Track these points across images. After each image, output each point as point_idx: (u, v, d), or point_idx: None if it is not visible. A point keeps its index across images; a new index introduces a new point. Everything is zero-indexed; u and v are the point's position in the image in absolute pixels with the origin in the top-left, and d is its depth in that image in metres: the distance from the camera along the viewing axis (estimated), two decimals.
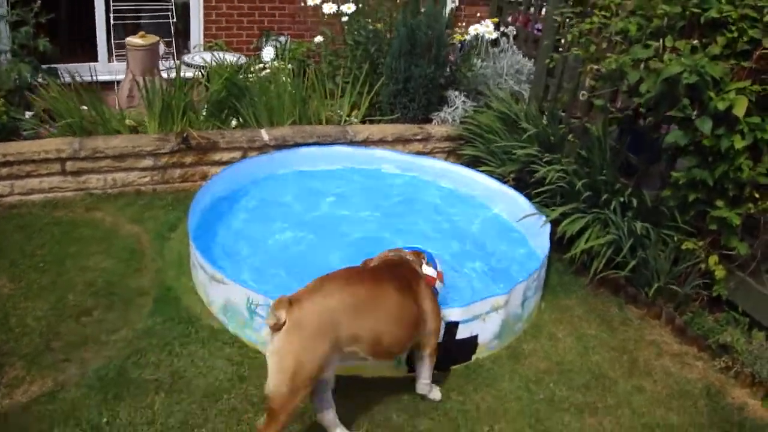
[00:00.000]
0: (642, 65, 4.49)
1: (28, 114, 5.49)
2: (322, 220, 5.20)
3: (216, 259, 4.35)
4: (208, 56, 6.77)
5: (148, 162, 5.40)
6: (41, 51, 5.61)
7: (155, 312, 4.18)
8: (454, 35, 6.83)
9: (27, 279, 4.34)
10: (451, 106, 6.46)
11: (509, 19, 7.68)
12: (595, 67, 5.09)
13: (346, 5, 6.45)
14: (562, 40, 5.99)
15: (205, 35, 8.38)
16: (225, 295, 4.06)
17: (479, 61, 6.73)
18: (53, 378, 3.58)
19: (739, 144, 4.10)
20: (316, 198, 5.48)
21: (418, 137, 6.28)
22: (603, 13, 5.21)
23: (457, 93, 6.50)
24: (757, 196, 4.31)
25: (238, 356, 3.91)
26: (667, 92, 4.30)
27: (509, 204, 5.50)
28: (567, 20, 5.63)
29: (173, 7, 8.00)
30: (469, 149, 6.19)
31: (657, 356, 4.41)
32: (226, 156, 5.59)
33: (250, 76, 6.11)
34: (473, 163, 6.11)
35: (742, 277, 4.57)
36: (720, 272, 4.55)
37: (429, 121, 6.52)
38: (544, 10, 6.82)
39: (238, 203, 5.23)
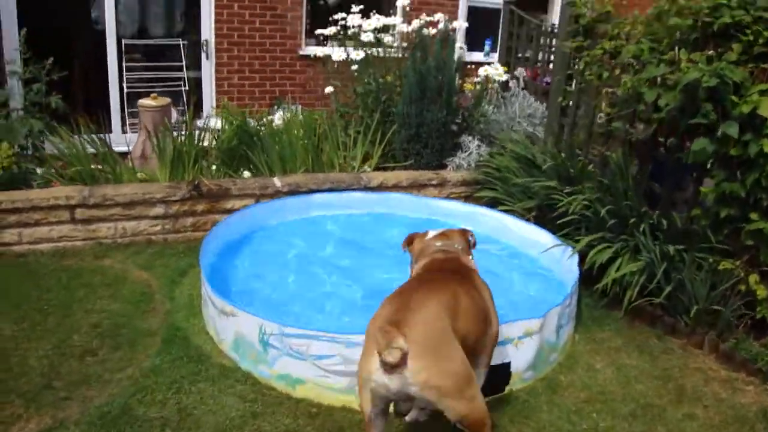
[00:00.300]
0: (659, 80, 4.39)
1: (39, 170, 5.44)
2: (336, 259, 5.00)
3: (228, 296, 4.14)
4: (220, 121, 6.78)
5: (158, 210, 5.28)
6: (53, 108, 5.61)
7: (163, 351, 3.94)
8: (465, 84, 6.82)
9: (30, 321, 4.14)
10: (465, 152, 6.36)
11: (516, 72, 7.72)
12: (611, 90, 5.00)
13: (355, 52, 6.48)
14: (574, 79, 5.95)
15: (217, 105, 8.47)
16: (236, 329, 3.83)
17: (491, 107, 6.68)
18: (52, 415, 3.32)
19: None
20: (328, 239, 5.32)
21: (434, 182, 6.15)
22: (613, 42, 5.19)
23: (470, 138, 6.42)
24: None
25: (251, 393, 3.64)
26: (687, 102, 4.18)
27: (531, 239, 5.27)
28: (577, 52, 5.60)
29: (185, 76, 8.13)
30: (486, 192, 6.04)
31: (705, 383, 4.08)
32: (238, 203, 5.47)
33: (262, 126, 6.07)
34: (491, 205, 5.95)
35: None
36: (762, 292, 4.27)
37: (443, 167, 6.41)
38: (551, 64, 6.88)
39: (250, 245, 5.05)
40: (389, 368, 2.59)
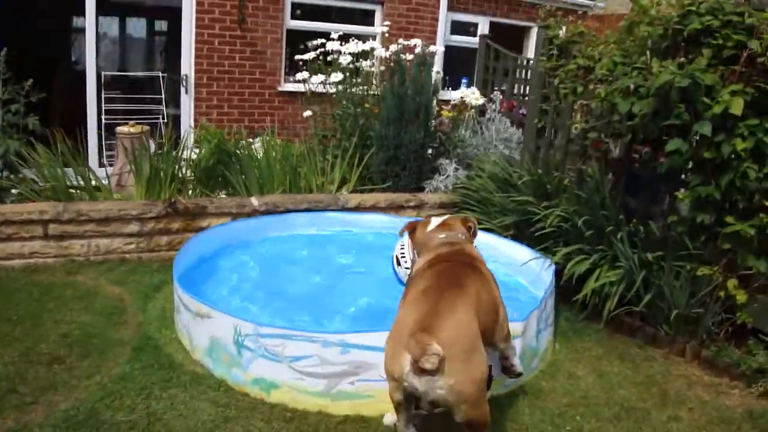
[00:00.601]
0: (632, 89, 4.45)
1: (14, 190, 5.36)
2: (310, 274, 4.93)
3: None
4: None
5: (133, 227, 5.20)
6: (30, 129, 5.56)
7: (133, 359, 3.83)
8: (442, 112, 6.89)
9: None
10: (442, 175, 6.38)
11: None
12: (585, 102, 5.07)
13: (334, 75, 6.53)
14: (549, 99, 6.05)
15: (195, 141, 8.45)
16: (211, 332, 3.74)
17: (468, 132, 6.74)
18: (15, 418, 3.20)
19: (741, 146, 3.98)
20: (304, 253, 5.26)
21: (412, 204, 6.14)
22: (586, 60, 5.29)
23: (448, 161, 6.45)
24: (767, 204, 4.12)
25: (224, 398, 3.54)
26: (661, 106, 4.23)
27: (508, 254, 5.23)
28: (552, 71, 5.69)
29: (164, 109, 8.15)
30: (465, 213, 6.02)
31: (688, 387, 4.03)
32: (214, 222, 5.40)
33: (241, 148, 6.05)
34: None
35: (765, 300, 4.28)
36: (741, 296, 4.26)
37: (421, 189, 6.41)
38: (526, 97, 7.00)
39: (226, 260, 4.97)
40: (421, 372, 2.62)
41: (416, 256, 3.60)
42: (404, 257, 4.53)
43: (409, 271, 3.88)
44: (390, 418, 3.25)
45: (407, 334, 2.68)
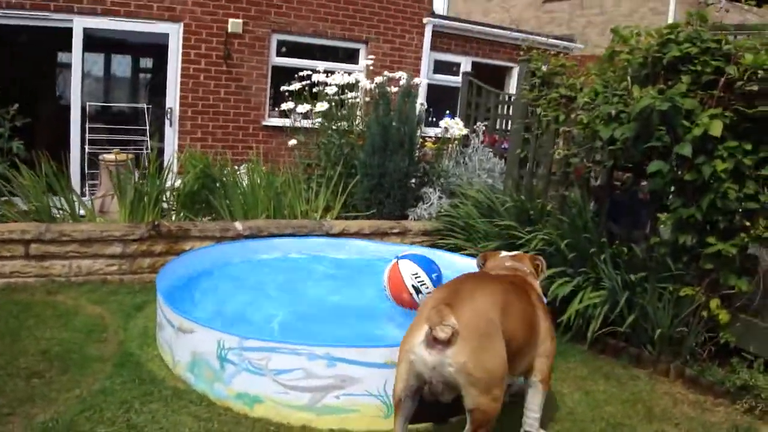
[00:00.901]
0: (613, 114, 4.55)
1: None
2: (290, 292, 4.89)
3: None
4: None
5: (116, 249, 5.15)
6: (14, 153, 5.55)
7: (114, 374, 3.76)
8: (426, 143, 6.98)
9: None
10: (426, 203, 6.43)
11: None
12: (567, 130, 5.17)
13: (320, 104, 6.61)
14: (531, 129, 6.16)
15: (179, 172, 8.47)
16: (193, 347, 3.69)
17: (451, 162, 6.82)
18: None
19: (721, 167, 4.06)
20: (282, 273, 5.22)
21: (396, 230, 6.16)
22: (567, 90, 5.42)
23: (432, 190, 6.50)
24: (748, 224, 4.20)
25: (206, 413, 3.48)
26: (642, 130, 4.33)
27: None
28: (534, 102, 5.81)
29: (148, 141, 8.17)
30: (449, 240, 6.07)
31: (674, 405, 4.04)
32: (198, 245, 5.37)
33: (225, 175, 6.07)
34: (453, 251, 5.94)
35: (747, 320, 4.32)
36: (724, 316, 4.30)
37: (405, 217, 6.44)
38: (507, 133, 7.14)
39: (210, 280, 4.91)
40: (433, 344, 2.74)
41: None
42: (424, 284, 4.41)
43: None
44: None
45: (429, 307, 2.83)
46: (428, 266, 4.30)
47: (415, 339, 2.81)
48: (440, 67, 11.06)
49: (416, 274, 4.28)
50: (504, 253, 3.81)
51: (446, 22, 11.07)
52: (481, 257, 3.85)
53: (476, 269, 3.83)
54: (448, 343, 2.71)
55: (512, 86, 11.44)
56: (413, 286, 4.23)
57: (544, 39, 10.38)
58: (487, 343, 2.80)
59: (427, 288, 4.23)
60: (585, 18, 14.90)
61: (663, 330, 4.43)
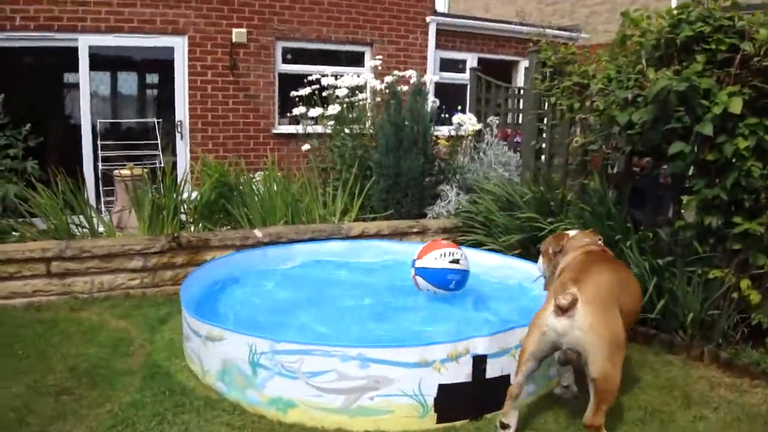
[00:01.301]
0: (629, 98, 4.49)
1: (15, 233, 5.31)
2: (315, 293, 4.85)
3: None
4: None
5: (137, 263, 5.14)
6: (29, 173, 5.55)
7: (144, 388, 3.73)
8: (439, 141, 6.94)
9: (2, 365, 3.91)
10: (444, 200, 6.38)
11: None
12: (583, 117, 5.11)
13: (331, 107, 6.59)
14: (545, 119, 6.12)
15: (195, 183, 8.47)
16: (223, 355, 3.65)
17: (466, 158, 6.78)
18: None
19: (743, 144, 4.00)
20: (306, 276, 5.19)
21: (415, 230, 6.12)
22: (580, 78, 5.36)
23: (449, 187, 6.46)
24: None
25: (240, 421, 3.45)
26: (660, 112, 4.26)
27: (522, 269, 5.16)
28: (546, 92, 5.77)
29: (160, 155, 8.17)
30: (469, 236, 6.02)
31: (710, 389, 3.97)
32: (218, 254, 5.34)
33: (242, 180, 6.04)
34: (475, 247, 5.90)
35: None
36: (755, 297, 4.24)
37: (423, 216, 6.40)
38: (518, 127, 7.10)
39: (233, 289, 4.89)
40: (559, 312, 3.13)
41: (547, 266, 4.10)
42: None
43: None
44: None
45: (561, 288, 3.23)
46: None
47: (546, 311, 3.22)
48: (446, 65, 11.04)
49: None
50: (572, 232, 4.13)
51: (449, 19, 11.05)
52: (553, 241, 4.09)
53: (542, 255, 4.17)
54: (570, 309, 3.10)
55: (519, 80, 11.41)
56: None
57: (548, 30, 10.32)
58: (609, 310, 3.20)
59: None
60: (588, 8, 14.83)
61: (694, 314, 4.37)
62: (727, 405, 3.74)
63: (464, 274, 4.65)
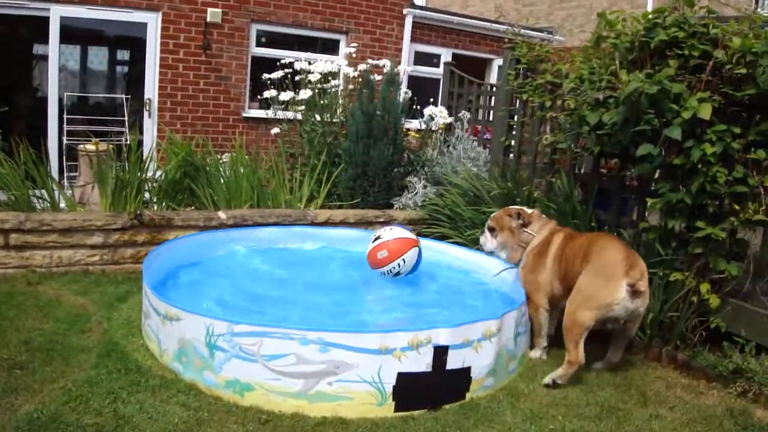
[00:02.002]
0: (601, 99, 4.53)
1: None
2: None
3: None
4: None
5: (97, 239, 5.03)
6: None
7: (99, 365, 3.66)
8: (409, 132, 6.92)
9: None
10: (411, 192, 6.37)
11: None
12: (554, 115, 5.14)
13: (303, 91, 6.52)
14: (515, 116, 6.14)
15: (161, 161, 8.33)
16: (181, 335, 3.59)
17: (435, 151, 6.77)
18: None
19: (710, 150, 4.05)
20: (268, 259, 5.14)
21: (381, 219, 6.10)
22: (553, 77, 5.39)
23: (417, 179, 6.45)
24: (737, 207, 4.20)
25: (196, 402, 3.40)
26: (630, 113, 4.30)
27: (482, 266, 5.18)
28: (519, 89, 5.79)
29: (127, 132, 8.01)
30: (435, 228, 6.03)
31: (667, 388, 4.03)
32: (181, 234, 5.25)
33: (208, 160, 5.95)
34: (440, 240, 5.91)
35: (737, 304, 4.32)
36: (714, 301, 4.30)
37: (390, 206, 6.38)
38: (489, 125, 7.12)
39: (196, 268, 4.81)
40: (637, 294, 3.78)
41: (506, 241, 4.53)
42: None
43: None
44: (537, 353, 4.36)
45: (621, 270, 3.77)
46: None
47: (618, 293, 3.76)
48: (420, 58, 11.02)
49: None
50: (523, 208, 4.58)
51: (426, 13, 11.03)
52: (514, 215, 4.50)
53: (498, 230, 4.56)
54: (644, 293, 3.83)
55: (493, 78, 11.45)
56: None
57: (523, 31, 10.36)
58: None
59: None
60: (565, 11, 14.96)
61: (653, 315, 4.43)
62: (683, 405, 3.80)
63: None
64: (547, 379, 3.90)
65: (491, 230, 4.60)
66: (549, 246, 4.33)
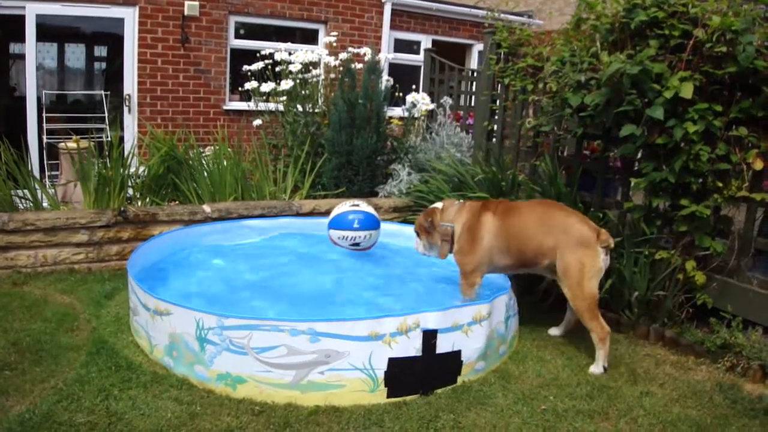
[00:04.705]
0: (583, 81, 4.54)
1: None
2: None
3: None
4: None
5: (82, 237, 4.99)
6: None
7: (89, 363, 3.64)
8: (392, 120, 6.90)
9: None
10: (396, 179, 6.36)
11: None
12: (536, 98, 5.15)
13: (284, 82, 6.48)
14: (497, 101, 6.14)
15: (143, 156, 8.26)
16: (171, 329, 3.58)
17: (419, 138, 6.77)
18: None
19: (692, 129, 4.08)
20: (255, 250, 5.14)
21: None
22: (534, 60, 5.40)
23: (401, 167, 6.44)
24: (720, 185, 4.23)
25: (188, 396, 3.39)
26: (613, 95, 4.32)
27: None
28: (500, 73, 5.79)
29: (107, 128, 7.93)
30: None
31: (656, 366, 4.08)
32: (165, 229, 5.22)
33: (191, 153, 5.91)
34: None
35: (723, 280, 4.37)
36: (700, 278, 4.35)
37: (374, 194, 6.38)
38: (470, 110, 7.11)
39: (183, 263, 4.78)
40: (607, 253, 4.04)
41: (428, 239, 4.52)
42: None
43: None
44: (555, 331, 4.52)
45: (593, 238, 3.98)
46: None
47: (601, 255, 3.99)
48: (400, 46, 10.98)
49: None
50: (437, 205, 4.58)
51: (405, 0, 10.96)
52: (432, 215, 4.50)
53: (422, 233, 4.54)
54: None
55: (473, 64, 11.44)
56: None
57: (503, 15, 10.36)
58: None
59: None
60: None
61: (640, 293, 4.48)
62: (672, 381, 3.84)
63: (366, 214, 4.98)
64: (597, 369, 3.96)
65: (417, 235, 4.62)
66: (480, 227, 4.28)
